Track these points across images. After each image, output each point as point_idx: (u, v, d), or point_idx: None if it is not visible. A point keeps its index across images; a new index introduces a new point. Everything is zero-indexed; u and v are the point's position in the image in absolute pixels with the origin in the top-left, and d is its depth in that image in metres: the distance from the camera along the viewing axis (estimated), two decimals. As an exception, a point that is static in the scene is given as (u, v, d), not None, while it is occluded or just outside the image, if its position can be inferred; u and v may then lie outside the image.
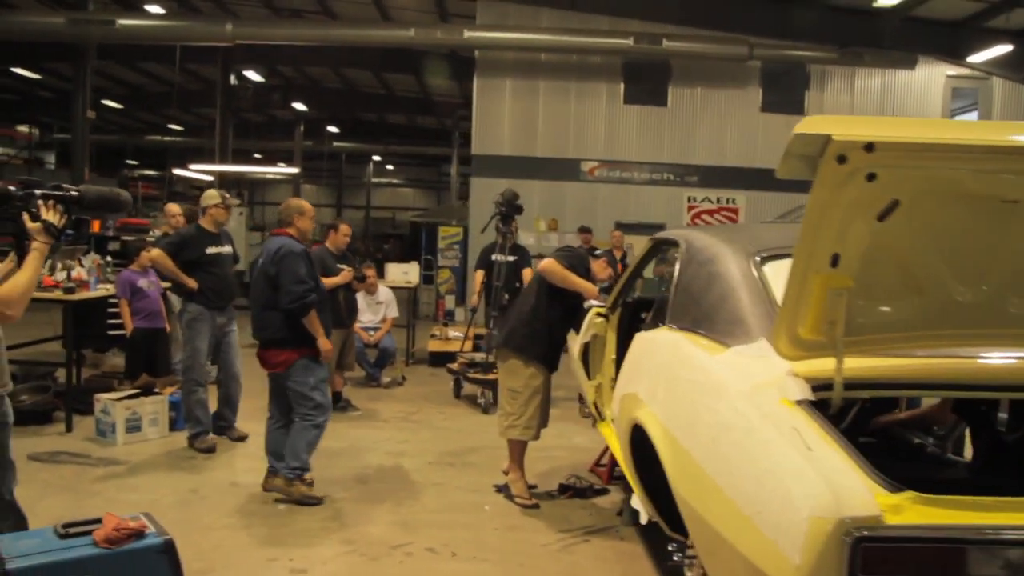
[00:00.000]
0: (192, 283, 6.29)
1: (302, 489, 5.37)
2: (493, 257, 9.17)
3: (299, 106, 26.15)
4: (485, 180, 16.40)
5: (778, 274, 2.90)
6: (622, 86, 16.36)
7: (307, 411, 5.42)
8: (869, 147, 2.00)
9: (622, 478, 6.04)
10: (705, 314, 2.93)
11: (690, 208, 16.65)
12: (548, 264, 5.28)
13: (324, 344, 5.41)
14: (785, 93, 16.44)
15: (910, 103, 16.43)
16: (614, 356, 4.88)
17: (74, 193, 3.29)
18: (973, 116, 17.51)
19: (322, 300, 5.54)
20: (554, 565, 4.59)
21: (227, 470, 6.05)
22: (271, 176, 31.58)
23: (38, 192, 3.22)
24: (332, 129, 30.16)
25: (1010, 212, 2.17)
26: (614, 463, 6.06)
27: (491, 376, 8.30)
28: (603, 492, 5.80)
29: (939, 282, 2.31)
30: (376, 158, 36.53)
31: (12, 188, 3.27)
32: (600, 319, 4.89)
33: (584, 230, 12.75)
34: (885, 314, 2.29)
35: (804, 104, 16.54)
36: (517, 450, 5.59)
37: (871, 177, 2.06)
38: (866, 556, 1.80)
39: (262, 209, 34.78)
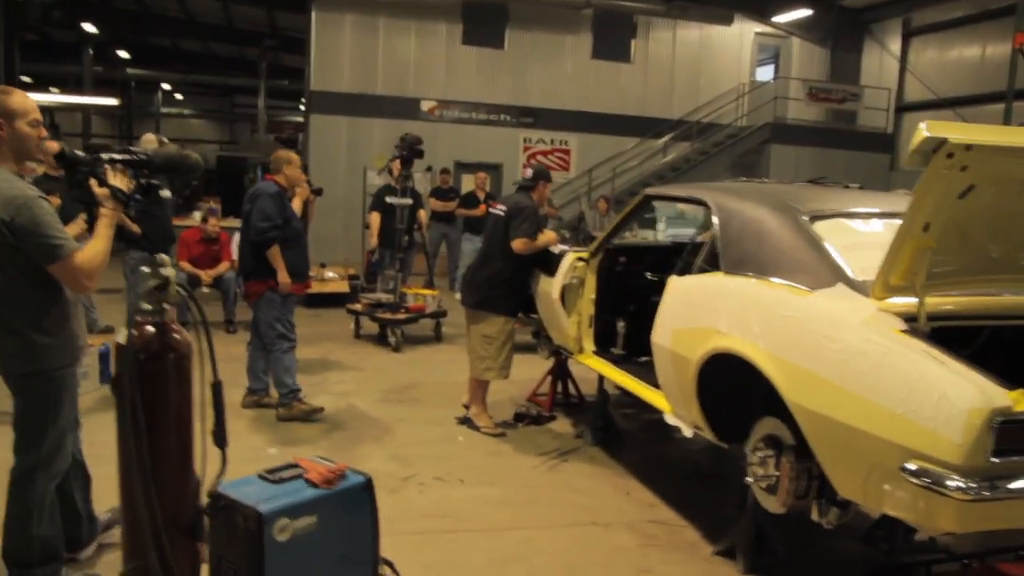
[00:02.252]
0: (136, 227, 6.09)
1: (301, 407, 6.01)
2: (388, 200, 9.36)
3: (88, 27, 23.97)
4: (324, 117, 16.24)
5: (828, 233, 3.58)
6: (461, 27, 16.61)
7: (272, 340, 6.01)
8: (969, 147, 2.65)
9: (564, 404, 6.68)
10: (772, 264, 3.57)
11: (525, 149, 17.33)
12: (521, 246, 5.63)
13: (283, 277, 5.94)
14: (613, 42, 17.39)
15: (723, 55, 17.92)
16: (593, 296, 5.42)
17: (142, 156, 3.30)
18: (770, 69, 19.36)
19: (295, 238, 6.08)
20: (552, 483, 5.12)
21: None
22: (56, 104, 28.76)
23: (105, 156, 3.19)
24: (122, 54, 27.95)
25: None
26: (555, 392, 6.66)
27: (400, 316, 8.59)
28: (552, 418, 6.37)
29: (983, 243, 3.05)
30: (165, 87, 34.24)
31: (79, 153, 3.24)
32: (581, 263, 5.39)
33: (444, 171, 13.09)
34: (950, 266, 3.01)
35: (631, 53, 17.59)
36: (482, 388, 6.03)
37: (964, 168, 2.72)
38: (1002, 434, 2.57)
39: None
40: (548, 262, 5.77)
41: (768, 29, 17.87)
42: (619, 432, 6.00)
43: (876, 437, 2.78)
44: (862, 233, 3.75)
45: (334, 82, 16.08)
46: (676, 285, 4.15)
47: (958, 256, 3.06)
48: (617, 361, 5.24)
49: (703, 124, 17.56)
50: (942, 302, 3.12)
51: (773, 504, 3.45)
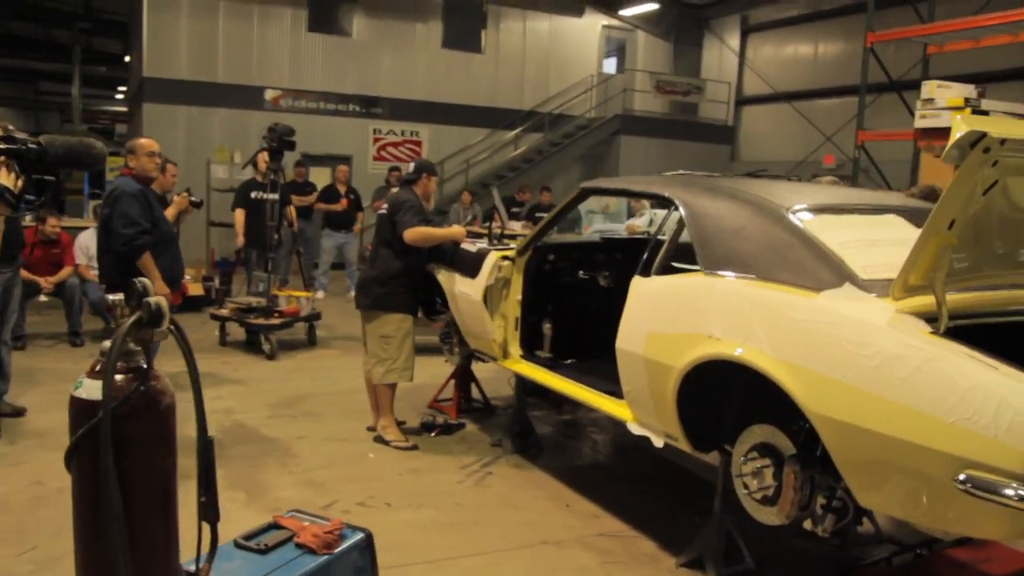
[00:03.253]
0: (-18, 232, 5.21)
1: None
2: (253, 195, 8.65)
3: None
4: (159, 106, 14.99)
5: (818, 229, 3.40)
6: (307, 12, 15.78)
7: None
8: (1003, 141, 2.52)
9: (468, 410, 6.32)
10: (763, 263, 3.32)
11: (376, 140, 16.73)
12: (414, 235, 5.27)
13: (160, 288, 5.13)
14: (464, 31, 17.08)
15: (572, 47, 17.99)
16: (519, 297, 5.08)
17: (33, 146, 2.70)
18: (613, 60, 19.64)
19: (165, 242, 5.36)
20: (484, 499, 4.76)
21: (52, 447, 5.21)
22: None
23: None
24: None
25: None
26: (462, 397, 6.30)
27: (274, 320, 7.94)
28: (462, 426, 6.00)
29: (990, 239, 2.95)
30: (-48, 71, 30.82)
31: None
32: (507, 262, 5.03)
33: (299, 164, 12.32)
34: (962, 263, 2.88)
35: (481, 43, 17.33)
36: (388, 398, 5.58)
37: (995, 163, 2.59)
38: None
39: None
40: (456, 260, 5.40)
41: (615, 22, 18.09)
42: (538, 437, 5.69)
43: (922, 447, 2.60)
44: (850, 229, 3.55)
45: (170, 69, 14.86)
46: (646, 287, 3.85)
47: (969, 253, 2.94)
48: (551, 366, 4.92)
49: (554, 115, 17.56)
50: (953, 300, 2.98)
51: (771, 516, 3.25)
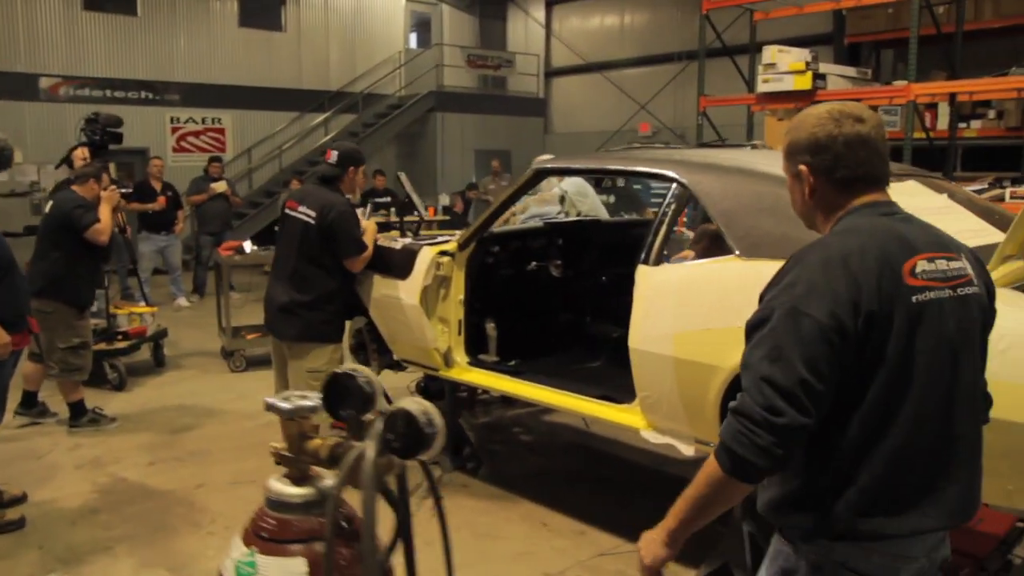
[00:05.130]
0: None
1: None
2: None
3: None
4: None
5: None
6: (77, -11, 14.01)
7: None
8: None
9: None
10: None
11: (174, 130, 15.24)
12: (362, 264, 4.57)
13: None
14: (262, 8, 15.87)
15: (376, 23, 17.20)
16: (462, 296, 4.52)
17: None
18: (414, 35, 19.03)
19: (1, 270, 4.16)
20: (453, 532, 4.20)
21: None
22: None
23: None
24: None
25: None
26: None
27: (120, 344, 6.83)
28: (381, 446, 5.37)
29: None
30: None
31: None
32: (446, 258, 4.43)
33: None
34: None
35: (282, 21, 16.18)
36: None
37: None
38: None
39: None
40: (376, 260, 4.73)
41: (420, -3, 17.51)
42: (475, 448, 5.16)
43: None
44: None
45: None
46: (661, 277, 3.41)
47: None
48: (513, 372, 4.40)
49: (365, 95, 16.74)
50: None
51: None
